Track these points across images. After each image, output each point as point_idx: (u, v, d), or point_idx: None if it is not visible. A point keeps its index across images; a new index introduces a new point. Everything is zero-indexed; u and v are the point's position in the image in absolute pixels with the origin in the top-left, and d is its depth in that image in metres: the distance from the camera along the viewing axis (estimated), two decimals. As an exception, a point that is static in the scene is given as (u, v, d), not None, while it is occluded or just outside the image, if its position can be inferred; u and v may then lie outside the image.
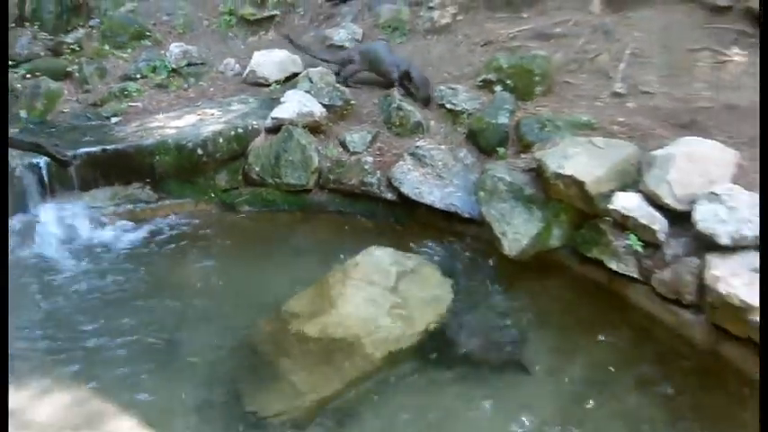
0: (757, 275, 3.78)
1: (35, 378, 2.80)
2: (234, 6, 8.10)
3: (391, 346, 4.12)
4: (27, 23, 7.44)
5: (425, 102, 6.12)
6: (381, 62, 6.43)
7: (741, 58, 5.93)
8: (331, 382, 3.87)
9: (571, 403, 3.84)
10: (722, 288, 3.78)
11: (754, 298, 3.63)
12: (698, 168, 4.41)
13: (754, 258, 3.90)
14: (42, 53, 7.17)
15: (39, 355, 3.16)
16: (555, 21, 6.82)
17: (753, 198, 4.13)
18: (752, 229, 3.94)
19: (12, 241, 5.10)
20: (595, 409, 3.79)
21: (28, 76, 6.74)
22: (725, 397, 3.80)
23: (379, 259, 4.73)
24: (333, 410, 3.73)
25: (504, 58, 6.14)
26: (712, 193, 4.18)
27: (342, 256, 4.87)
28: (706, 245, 4.09)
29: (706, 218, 4.09)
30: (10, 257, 5.04)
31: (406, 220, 5.58)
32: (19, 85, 6.53)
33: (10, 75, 6.78)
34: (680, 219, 4.32)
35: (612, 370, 4.06)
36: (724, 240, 3.97)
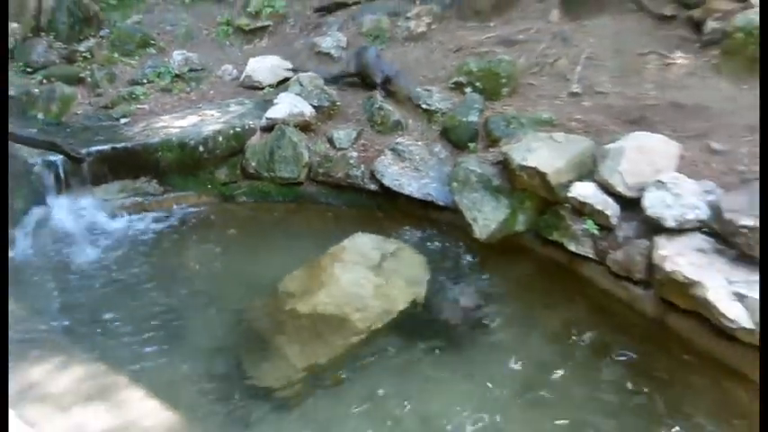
0: (700, 255, 3.80)
1: (53, 355, 2.77)
2: (230, 17, 8.05)
3: (375, 321, 4.11)
4: (43, 33, 7.34)
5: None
6: (369, 66, 6.39)
7: (684, 60, 5.94)
8: (321, 354, 3.86)
9: (537, 367, 3.86)
10: (668, 266, 3.80)
11: (696, 274, 3.66)
12: (646, 160, 4.42)
13: (697, 240, 3.93)
14: (57, 60, 7.08)
15: (55, 333, 3.14)
16: (519, 29, 6.80)
17: (695, 186, 4.15)
18: (695, 214, 3.97)
19: (31, 230, 5.05)
20: (558, 373, 3.82)
21: (44, 81, 6.66)
22: (671, 361, 3.82)
23: (363, 244, 4.72)
24: (323, 379, 3.73)
25: (474, 62, 6.12)
26: (659, 181, 4.20)
27: (330, 241, 4.86)
28: (654, 228, 4.11)
29: (654, 204, 4.11)
30: (30, 244, 5.00)
31: (387, 209, 5.57)
32: (36, 90, 6.45)
33: (28, 80, 6.71)
34: (631, 205, 4.34)
35: (572, 338, 4.08)
36: (670, 223, 3.99)
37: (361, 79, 6.44)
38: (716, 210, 3.89)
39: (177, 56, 7.22)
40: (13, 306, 3.13)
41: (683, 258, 3.80)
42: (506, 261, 4.81)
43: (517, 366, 3.88)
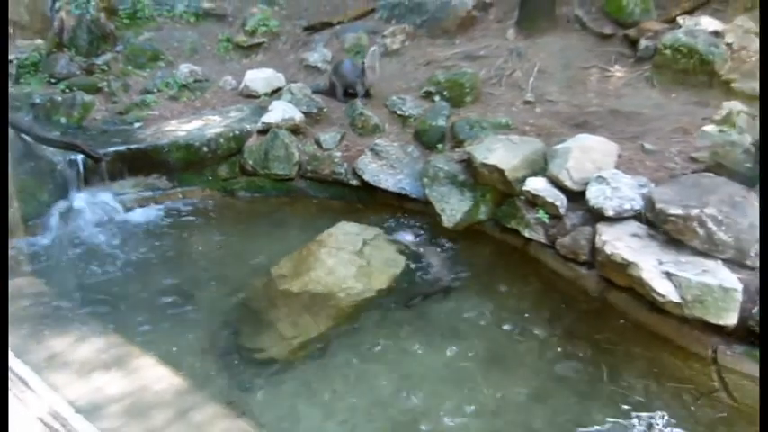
0: (636, 239, 3.81)
1: (74, 328, 2.71)
2: (230, 35, 7.92)
3: (358, 297, 4.10)
4: (65, 49, 7.17)
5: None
6: (347, 76, 6.32)
7: (621, 73, 5.95)
8: (311, 327, 3.83)
9: (496, 336, 3.86)
10: (608, 249, 3.81)
11: (632, 256, 3.67)
12: (589, 158, 4.43)
13: (633, 227, 3.94)
14: (78, 72, 6.93)
15: (76, 309, 3.08)
16: (480, 45, 6.77)
17: (631, 180, 4.16)
18: (631, 204, 3.98)
19: (54, 222, 4.94)
20: (513, 339, 3.82)
21: (66, 90, 6.50)
22: (610, 331, 3.84)
23: (347, 231, 4.70)
24: (312, 350, 3.69)
25: (442, 74, 6.08)
26: (600, 176, 4.21)
27: (318, 229, 4.81)
28: (596, 217, 4.12)
29: (596, 196, 4.11)
30: (54, 233, 4.90)
31: (367, 201, 5.52)
32: (59, 98, 6.29)
33: (52, 89, 6.56)
34: (576, 197, 4.34)
35: (526, 311, 4.08)
36: (609, 213, 4.00)
37: (341, 87, 6.36)
38: (649, 201, 3.90)
39: (184, 68, 7.10)
40: (40, 286, 3.06)
41: (621, 243, 3.81)
42: (470, 245, 4.80)
43: (478, 334, 3.87)
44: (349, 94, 6.35)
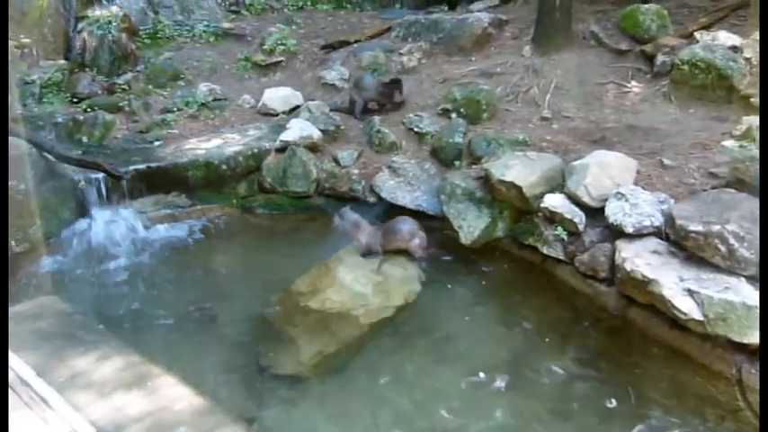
0: (656, 256, 3.77)
1: (95, 347, 2.72)
2: (249, 54, 8.00)
3: (375, 315, 4.09)
4: (87, 69, 7.30)
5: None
6: (368, 89, 6.38)
7: (638, 89, 5.92)
8: (329, 345, 3.82)
9: (515, 354, 3.82)
10: (628, 266, 3.77)
11: (653, 273, 3.63)
12: (607, 174, 4.39)
13: (653, 243, 3.90)
14: (99, 92, 7.04)
15: (97, 328, 3.09)
16: (496, 62, 6.78)
17: (650, 196, 4.13)
18: (650, 221, 3.94)
19: (75, 240, 4.99)
20: (533, 356, 3.78)
21: (88, 109, 6.59)
22: (630, 348, 3.79)
23: (364, 248, 4.69)
24: (330, 367, 3.68)
25: (458, 91, 6.08)
26: (619, 193, 4.18)
27: (336, 246, 4.82)
28: (615, 233, 4.08)
29: (615, 212, 4.08)
30: (75, 250, 4.94)
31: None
32: (81, 117, 6.39)
33: (74, 109, 6.66)
34: (595, 213, 4.31)
35: (545, 328, 4.04)
36: (629, 229, 3.96)
37: (362, 101, 6.42)
38: (669, 217, 3.86)
39: (203, 87, 7.18)
40: (61, 304, 3.09)
41: (641, 259, 3.77)
42: (488, 262, 4.77)
43: (497, 351, 3.84)
44: (368, 110, 6.37)
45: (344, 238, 4.79)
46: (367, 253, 4.70)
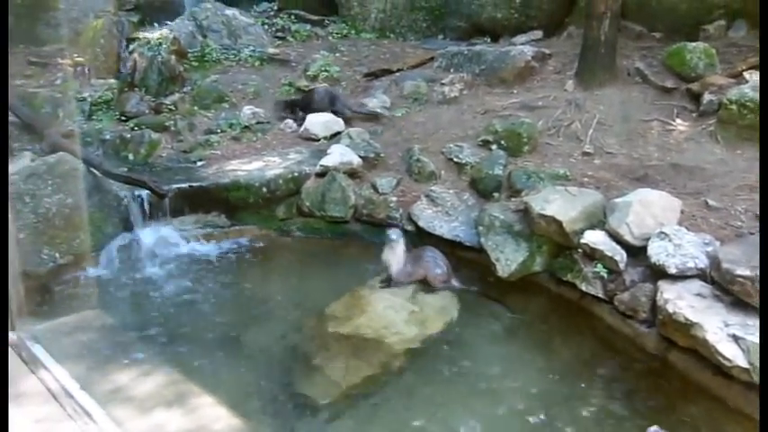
0: (700, 299, 3.69)
1: (136, 362, 2.78)
2: (293, 79, 8.14)
3: (409, 344, 4.08)
4: (136, 89, 7.51)
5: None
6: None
7: (683, 127, 5.86)
8: (361, 372, 3.81)
9: (550, 392, 3.75)
10: (671, 308, 3.70)
11: (696, 317, 3.56)
12: (650, 213, 4.34)
13: (696, 285, 3.82)
14: (147, 111, 7.22)
15: (138, 343, 3.15)
16: (538, 96, 6.78)
17: (695, 237, 4.06)
18: (695, 262, 3.87)
19: (118, 255, 5.10)
20: (567, 397, 3.70)
21: (135, 128, 6.78)
22: (671, 393, 3.69)
23: (400, 276, 4.69)
24: (362, 395, 3.66)
25: (499, 123, 6.09)
26: (662, 232, 4.12)
27: (371, 272, 4.84)
28: (657, 273, 4.01)
29: (657, 252, 4.02)
30: (117, 264, 5.05)
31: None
32: (128, 135, 6.57)
33: (122, 127, 6.85)
34: (637, 252, 4.25)
35: (581, 368, 3.97)
36: (672, 270, 3.90)
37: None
38: (714, 260, 3.79)
39: (247, 110, 7.32)
40: (105, 318, 3.16)
41: (684, 302, 3.69)
42: (525, 297, 4.72)
43: (531, 389, 3.77)
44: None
45: (379, 262, 4.81)
46: (388, 284, 4.72)
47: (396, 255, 4.75)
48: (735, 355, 3.32)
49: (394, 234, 4.83)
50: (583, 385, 3.80)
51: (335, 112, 7.08)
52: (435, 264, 4.73)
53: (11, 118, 6.57)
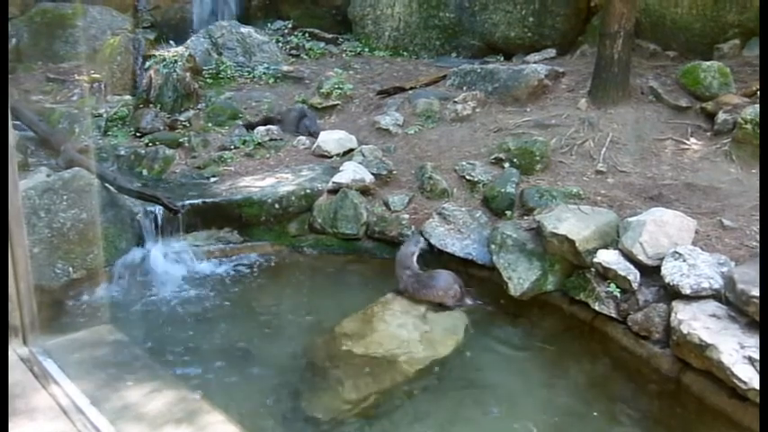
0: (715, 320, 3.66)
1: (147, 379, 2.78)
2: (306, 97, 8.20)
3: (420, 363, 4.06)
4: (151, 105, 7.59)
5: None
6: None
7: (697, 146, 5.84)
8: (371, 391, 3.80)
9: (564, 407, 3.74)
10: (685, 329, 3.67)
11: (711, 338, 3.52)
12: (664, 232, 4.32)
13: (711, 306, 3.79)
14: (161, 128, 7.29)
15: (149, 359, 3.15)
16: (551, 114, 6.79)
17: (709, 258, 4.03)
18: (709, 283, 3.84)
19: (130, 270, 5.14)
20: (579, 420, 3.67)
21: (150, 144, 6.84)
22: (686, 416, 3.65)
23: (411, 294, 4.69)
24: (372, 414, 3.66)
25: (512, 141, 6.10)
26: (676, 252, 4.10)
27: (383, 290, 4.83)
28: (672, 294, 3.99)
29: (672, 272, 3.99)
30: (129, 279, 5.08)
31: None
32: (143, 151, 6.64)
33: (137, 143, 6.93)
34: (650, 272, 4.23)
35: (594, 388, 3.94)
36: (686, 291, 3.87)
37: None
38: (729, 281, 3.76)
39: (260, 127, 7.39)
40: (117, 333, 3.18)
41: (698, 323, 3.66)
42: (536, 316, 4.70)
43: (543, 410, 3.75)
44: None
45: (392, 278, 4.80)
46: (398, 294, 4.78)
47: (407, 266, 4.79)
48: (751, 378, 3.28)
49: (414, 238, 5.09)
50: (595, 408, 3.77)
51: (299, 130, 7.45)
52: (447, 289, 4.72)
53: (28, 133, 6.70)
